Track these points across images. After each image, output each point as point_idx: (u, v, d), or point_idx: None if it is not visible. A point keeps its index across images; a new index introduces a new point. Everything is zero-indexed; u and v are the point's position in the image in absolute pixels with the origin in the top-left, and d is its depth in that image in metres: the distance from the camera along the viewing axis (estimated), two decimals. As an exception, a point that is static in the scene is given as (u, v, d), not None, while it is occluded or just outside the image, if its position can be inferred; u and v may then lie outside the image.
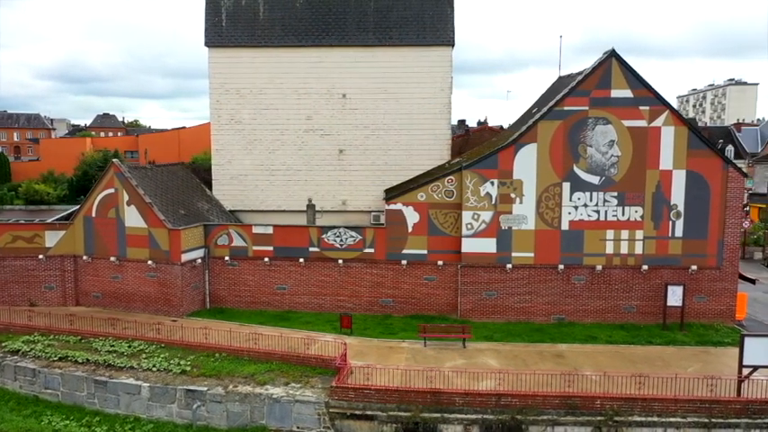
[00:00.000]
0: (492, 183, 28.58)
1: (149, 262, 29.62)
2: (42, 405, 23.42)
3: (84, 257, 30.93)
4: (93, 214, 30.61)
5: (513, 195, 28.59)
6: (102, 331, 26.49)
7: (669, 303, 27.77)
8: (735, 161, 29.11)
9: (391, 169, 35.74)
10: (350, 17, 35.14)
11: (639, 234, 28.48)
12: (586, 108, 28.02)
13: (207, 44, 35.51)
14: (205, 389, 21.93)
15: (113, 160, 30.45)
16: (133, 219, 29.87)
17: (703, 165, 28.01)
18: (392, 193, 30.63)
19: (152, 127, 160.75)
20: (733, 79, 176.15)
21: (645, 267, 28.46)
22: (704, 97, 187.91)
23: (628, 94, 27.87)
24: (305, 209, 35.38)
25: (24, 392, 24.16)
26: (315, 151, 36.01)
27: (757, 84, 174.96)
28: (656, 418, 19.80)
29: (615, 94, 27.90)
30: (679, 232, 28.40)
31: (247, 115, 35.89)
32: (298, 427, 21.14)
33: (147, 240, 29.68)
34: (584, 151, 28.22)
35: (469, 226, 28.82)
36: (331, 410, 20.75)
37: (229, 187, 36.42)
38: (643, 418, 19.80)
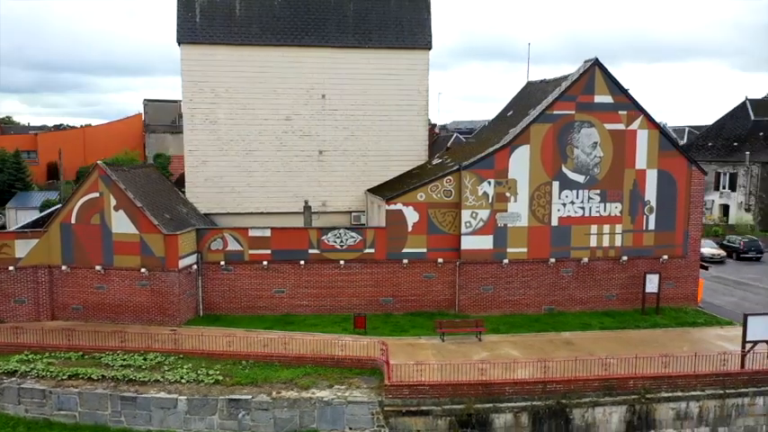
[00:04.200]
0: (489, 182, 29.94)
1: (142, 270, 28.01)
2: (57, 428, 21.64)
3: (63, 267, 28.58)
4: (73, 221, 28.39)
5: (508, 194, 30.14)
6: (107, 345, 24.81)
7: (647, 290, 30.60)
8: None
9: (371, 170, 36.27)
10: (329, 18, 35.15)
11: (619, 228, 31.09)
12: (573, 112, 30.15)
13: (179, 41, 34.05)
14: (249, 397, 21.39)
15: (98, 162, 28.40)
16: (122, 224, 28.09)
17: (671, 164, 31.13)
18: (389, 194, 31.05)
19: (31, 124, 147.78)
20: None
21: (624, 258, 31.14)
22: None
23: (609, 99, 30.35)
24: (285, 211, 35.27)
25: (32, 416, 22.14)
26: (294, 152, 35.68)
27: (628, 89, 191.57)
28: (680, 393, 22.04)
29: (598, 99, 30.27)
30: (652, 225, 31.34)
31: (223, 115, 34.83)
32: (350, 429, 21.20)
33: (137, 247, 28.04)
34: (571, 152, 30.35)
35: (468, 224, 30.01)
36: (386, 409, 21.04)
37: (203, 189, 35.16)
38: (670, 394, 21.98)
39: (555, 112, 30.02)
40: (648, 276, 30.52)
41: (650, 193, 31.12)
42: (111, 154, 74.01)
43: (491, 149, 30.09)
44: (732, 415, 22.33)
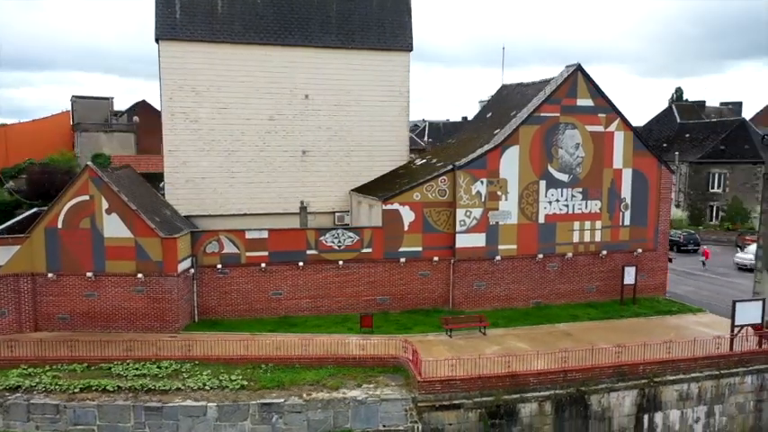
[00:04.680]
0: (482, 182, 30.91)
1: (138, 275, 26.89)
2: (75, 444, 20.54)
3: (50, 275, 26.92)
4: (60, 225, 26.79)
5: (499, 193, 31.23)
6: (114, 355, 23.72)
7: (625, 282, 32.63)
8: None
9: (354, 170, 36.40)
10: (313, 18, 34.97)
11: (598, 224, 32.96)
12: (558, 114, 31.65)
13: (158, 37, 32.82)
14: (282, 400, 21.16)
15: (88, 163, 26.94)
16: (115, 228, 26.84)
17: (644, 164, 33.35)
18: (383, 194, 31.29)
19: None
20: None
21: (604, 253, 33.04)
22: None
23: (589, 102, 32.10)
24: (268, 212, 34.94)
25: (44, 433, 20.88)
26: (277, 152, 35.23)
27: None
28: (682, 375, 23.83)
29: (580, 102, 31.94)
30: (627, 221, 33.44)
31: (204, 114, 33.87)
32: (384, 426, 21.44)
33: (133, 251, 26.90)
34: (556, 152, 31.86)
35: (463, 222, 30.85)
36: (419, 404, 21.44)
37: (184, 191, 34.04)
38: (673, 377, 23.71)
39: (542, 115, 31.41)
40: (626, 269, 32.56)
41: (626, 191, 33.21)
42: (40, 154, 69.61)
43: (484, 150, 31.06)
44: (726, 393, 24.39)
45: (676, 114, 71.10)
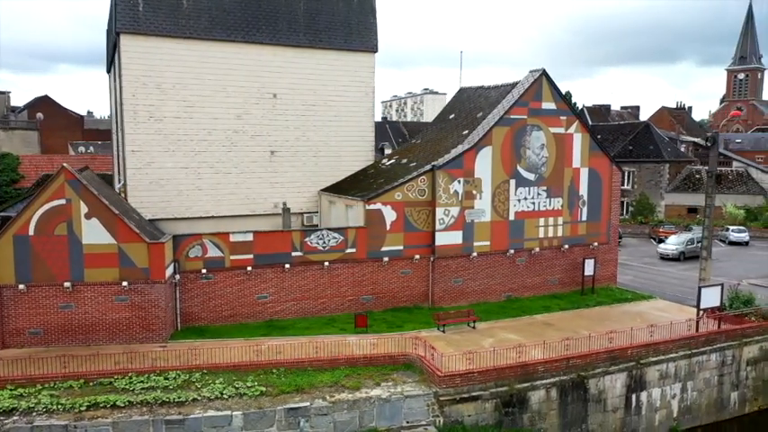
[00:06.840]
0: (459, 181, 31.91)
1: (123, 283, 25.32)
2: (89, 466, 19.15)
3: (20, 287, 24.68)
4: (31, 232, 24.64)
5: (474, 192, 32.38)
6: (113, 369, 22.23)
7: (586, 273, 34.96)
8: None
9: (322, 170, 36.20)
10: (280, 16, 34.36)
11: (560, 220, 35.05)
12: (526, 117, 33.33)
13: (119, 30, 30.92)
14: (308, 404, 20.92)
15: (64, 165, 24.90)
16: (95, 234, 25.08)
17: (598, 163, 35.88)
18: (365, 194, 31.42)
19: None
20: (428, 89, 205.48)
21: (565, 247, 35.19)
22: (405, 103, 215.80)
23: (553, 106, 34.05)
24: (237, 214, 34.11)
25: (52, 457, 19.27)
26: (245, 152, 34.31)
27: (445, 93, 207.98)
28: (662, 357, 26.06)
29: (545, 105, 33.81)
30: (584, 217, 35.82)
31: (170, 113, 32.32)
32: (407, 422, 21.78)
33: (116, 258, 25.29)
34: (524, 153, 33.52)
35: (441, 221, 31.69)
36: (441, 399, 21.98)
37: (148, 193, 32.31)
38: (655, 358, 25.87)
39: (512, 117, 32.92)
40: (587, 261, 34.90)
41: (583, 189, 35.56)
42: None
43: (461, 150, 32.06)
44: (696, 370, 26.95)
45: (587, 117, 76.24)
